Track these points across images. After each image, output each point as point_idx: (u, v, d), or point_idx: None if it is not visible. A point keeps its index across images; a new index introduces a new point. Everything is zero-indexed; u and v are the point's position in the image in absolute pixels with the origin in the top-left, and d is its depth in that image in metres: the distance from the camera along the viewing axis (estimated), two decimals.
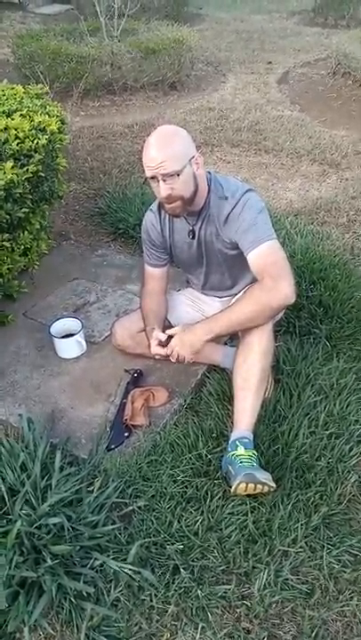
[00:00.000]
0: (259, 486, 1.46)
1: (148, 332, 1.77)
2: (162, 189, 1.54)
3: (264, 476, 1.47)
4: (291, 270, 1.55)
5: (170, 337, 1.69)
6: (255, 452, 1.55)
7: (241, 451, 1.53)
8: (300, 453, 1.65)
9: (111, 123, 4.60)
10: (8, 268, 2.10)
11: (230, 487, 1.49)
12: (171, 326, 1.88)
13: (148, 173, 1.54)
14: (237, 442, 1.55)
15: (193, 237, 1.73)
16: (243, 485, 1.45)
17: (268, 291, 1.52)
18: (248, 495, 1.51)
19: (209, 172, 1.68)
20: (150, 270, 1.89)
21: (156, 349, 1.71)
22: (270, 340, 1.64)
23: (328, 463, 1.64)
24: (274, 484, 1.48)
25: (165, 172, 1.51)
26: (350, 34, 6.33)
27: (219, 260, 1.77)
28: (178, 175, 1.52)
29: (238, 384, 1.63)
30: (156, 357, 1.74)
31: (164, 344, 1.71)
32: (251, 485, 1.45)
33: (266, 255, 1.56)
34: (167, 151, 1.51)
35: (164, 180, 1.53)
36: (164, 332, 1.74)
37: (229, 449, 1.57)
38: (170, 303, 1.94)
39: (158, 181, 1.54)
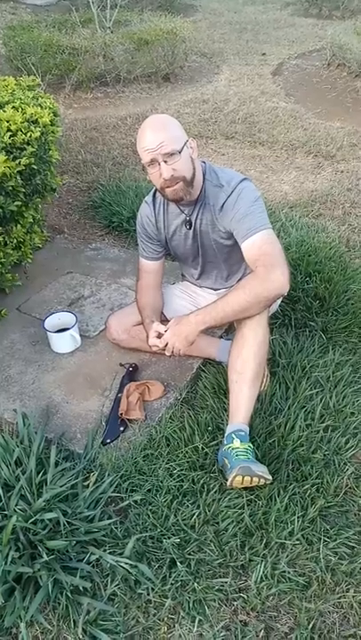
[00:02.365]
0: (255, 479, 1.46)
1: (147, 326, 1.75)
2: (164, 171, 1.52)
3: (260, 469, 1.47)
4: (285, 260, 1.53)
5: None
6: (251, 445, 1.55)
7: (237, 444, 1.52)
8: (297, 446, 1.65)
9: (104, 115, 4.56)
10: (1, 262, 2.08)
11: (227, 480, 1.48)
12: (167, 320, 1.87)
13: (147, 157, 1.52)
14: (233, 435, 1.55)
15: (189, 228, 1.71)
16: (239, 478, 1.45)
17: (262, 280, 1.50)
18: (244, 488, 1.51)
19: (203, 162, 1.67)
20: (145, 264, 1.87)
21: (153, 341, 1.69)
22: (266, 333, 1.63)
23: (324, 456, 1.64)
24: (270, 477, 1.48)
25: (167, 151, 1.49)
26: (345, 25, 6.31)
27: (215, 250, 1.75)
28: (179, 153, 1.51)
29: (234, 377, 1.62)
30: (154, 349, 1.72)
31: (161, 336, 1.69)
32: (247, 478, 1.45)
33: (260, 245, 1.54)
34: (165, 132, 1.51)
35: (165, 161, 1.51)
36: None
37: (225, 442, 1.56)
38: (165, 297, 1.93)
39: (159, 164, 1.51)
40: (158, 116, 1.58)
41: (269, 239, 1.55)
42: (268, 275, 1.49)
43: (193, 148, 1.58)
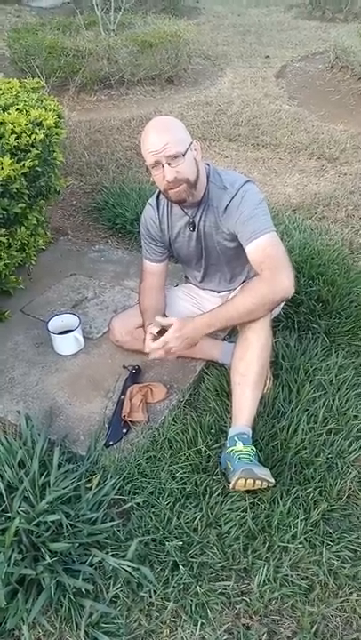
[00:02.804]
0: (258, 482, 1.46)
1: (147, 328, 1.75)
2: (168, 173, 1.52)
3: (263, 472, 1.46)
4: (290, 263, 1.53)
5: (163, 330, 1.64)
6: (254, 448, 1.54)
7: (240, 446, 1.52)
8: (300, 449, 1.65)
9: (108, 117, 4.57)
10: (5, 264, 2.09)
11: (229, 483, 1.48)
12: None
13: (151, 159, 1.52)
14: (236, 437, 1.55)
15: (193, 229, 1.72)
16: (242, 481, 1.44)
17: (268, 284, 1.51)
18: (247, 491, 1.51)
19: (207, 164, 1.68)
20: (149, 265, 1.87)
21: (150, 344, 1.64)
22: (269, 336, 1.63)
23: (327, 459, 1.63)
24: (273, 480, 1.48)
25: (171, 154, 1.50)
26: (348, 27, 6.32)
27: (218, 252, 1.75)
28: (183, 156, 1.51)
29: (237, 380, 1.62)
30: (149, 352, 1.66)
31: (158, 338, 1.64)
32: (250, 481, 1.45)
33: (264, 247, 1.54)
34: (169, 134, 1.51)
35: (169, 164, 1.51)
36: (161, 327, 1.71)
37: (228, 445, 1.56)
38: (168, 299, 1.93)
39: (163, 166, 1.52)
40: (162, 118, 1.59)
41: (274, 242, 1.55)
42: (274, 278, 1.50)
43: (197, 150, 1.59)
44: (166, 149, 1.49)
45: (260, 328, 1.60)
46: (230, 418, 1.64)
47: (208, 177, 1.65)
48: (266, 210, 1.60)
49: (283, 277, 1.49)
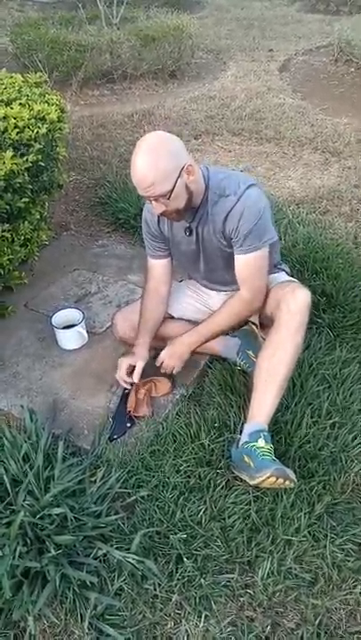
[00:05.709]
0: (287, 482, 1.43)
1: (139, 332, 1.84)
2: (155, 208, 1.54)
3: (290, 472, 1.44)
4: (265, 281, 1.70)
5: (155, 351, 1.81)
6: (273, 446, 1.52)
7: (262, 443, 1.49)
8: (304, 443, 1.65)
9: (111, 112, 4.56)
10: (8, 259, 2.09)
11: (250, 478, 1.46)
12: (171, 317, 1.90)
13: (139, 192, 1.51)
14: (260, 434, 1.51)
15: (190, 234, 1.71)
16: (272, 479, 1.41)
17: (246, 305, 1.70)
18: (255, 486, 1.50)
19: (206, 168, 1.63)
20: (153, 262, 1.86)
21: (123, 376, 1.79)
22: (301, 343, 1.61)
23: (331, 453, 1.63)
24: (296, 481, 1.46)
25: (155, 195, 1.49)
26: (353, 20, 6.28)
27: (217, 255, 1.73)
28: (169, 195, 1.49)
29: (263, 376, 1.59)
30: (121, 383, 1.82)
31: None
32: (280, 480, 1.42)
33: (251, 266, 1.64)
34: (154, 172, 1.44)
35: (156, 200, 1.51)
36: (155, 337, 1.85)
37: (248, 439, 1.52)
38: (173, 295, 1.91)
39: (151, 201, 1.53)
40: (152, 143, 1.48)
41: (261, 263, 1.65)
42: (253, 300, 1.69)
43: (190, 172, 1.51)
44: (151, 190, 1.47)
45: (296, 329, 1.59)
46: (235, 412, 1.64)
47: (207, 183, 1.60)
48: (267, 218, 1.60)
49: (258, 300, 1.69)
